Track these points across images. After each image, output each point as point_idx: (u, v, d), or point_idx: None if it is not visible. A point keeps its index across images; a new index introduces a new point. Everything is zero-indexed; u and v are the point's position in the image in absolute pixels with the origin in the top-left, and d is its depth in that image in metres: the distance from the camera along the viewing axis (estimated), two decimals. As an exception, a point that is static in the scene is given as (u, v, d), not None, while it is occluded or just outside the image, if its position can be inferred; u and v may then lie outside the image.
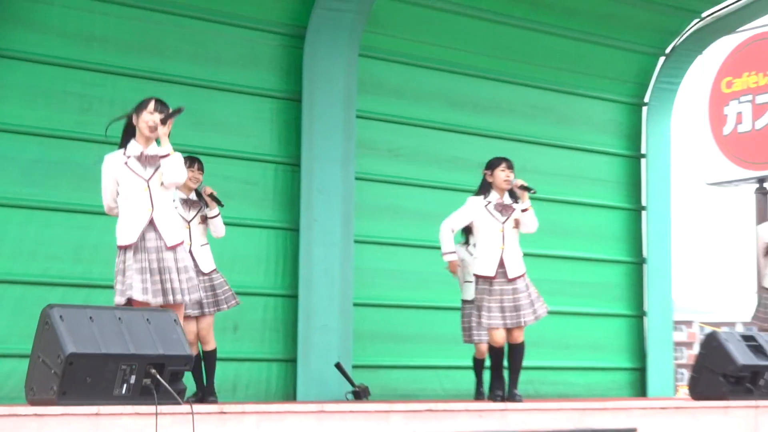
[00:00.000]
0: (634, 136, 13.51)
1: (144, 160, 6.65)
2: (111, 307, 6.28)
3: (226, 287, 8.35)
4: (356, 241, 10.96)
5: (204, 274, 8.18)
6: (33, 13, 9.66)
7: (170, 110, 6.78)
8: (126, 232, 6.54)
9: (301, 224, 10.69)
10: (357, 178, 11.04)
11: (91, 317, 5.68)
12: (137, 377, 5.64)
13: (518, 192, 8.29)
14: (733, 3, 13.06)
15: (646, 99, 13.55)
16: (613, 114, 13.41)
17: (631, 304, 13.26)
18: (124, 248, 6.52)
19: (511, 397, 7.79)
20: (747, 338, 8.41)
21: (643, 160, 13.50)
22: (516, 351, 8.18)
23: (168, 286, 6.49)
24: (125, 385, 5.62)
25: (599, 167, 13.20)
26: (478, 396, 9.98)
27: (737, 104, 28.01)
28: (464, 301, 9.89)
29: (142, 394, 5.62)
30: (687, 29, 13.43)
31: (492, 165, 8.36)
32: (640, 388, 13.09)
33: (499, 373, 8.10)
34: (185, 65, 10.37)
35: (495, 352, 8.14)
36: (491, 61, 12.36)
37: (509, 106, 12.55)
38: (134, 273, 6.41)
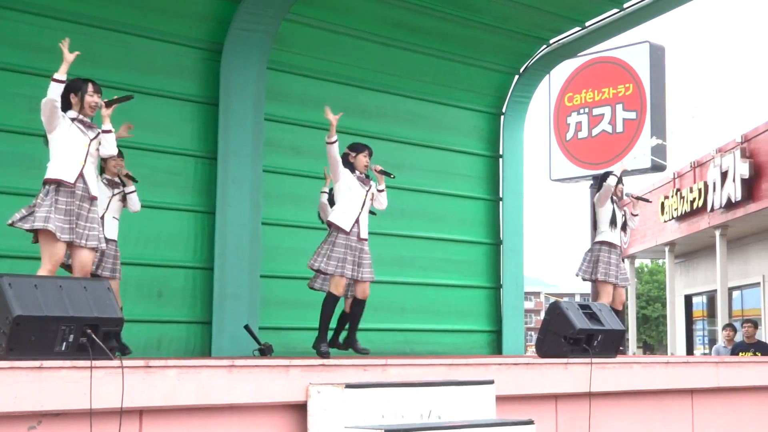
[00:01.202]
0: (493, 140, 13.62)
1: (87, 125, 6.70)
2: (54, 276, 6.17)
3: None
4: (263, 223, 10.89)
5: (112, 241, 8.06)
6: (-12, 26, 9.42)
7: (117, 97, 6.87)
8: (59, 171, 6.51)
9: (216, 208, 10.58)
10: (264, 171, 10.97)
11: (35, 285, 5.55)
12: (75, 336, 5.52)
13: (377, 176, 8.36)
14: (574, 33, 13.23)
15: (504, 109, 13.65)
16: (477, 121, 13.49)
17: (490, 278, 13.37)
18: (54, 183, 6.49)
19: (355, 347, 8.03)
20: (584, 307, 8.51)
21: (500, 160, 13.62)
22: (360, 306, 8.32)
23: (80, 230, 6.57)
24: (64, 343, 5.50)
25: (465, 165, 13.28)
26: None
27: (577, 115, 28.44)
28: None
29: (79, 351, 5.51)
30: (537, 53, 13.56)
31: (357, 149, 8.42)
32: (496, 347, 13.22)
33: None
34: (120, 73, 10.20)
35: (335, 300, 8.15)
36: (377, 75, 12.36)
37: (392, 113, 12.55)
38: (56, 210, 6.43)
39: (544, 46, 13.47)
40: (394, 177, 8.59)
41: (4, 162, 9.29)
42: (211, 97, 10.80)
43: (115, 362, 5.45)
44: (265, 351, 9.72)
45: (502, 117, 13.63)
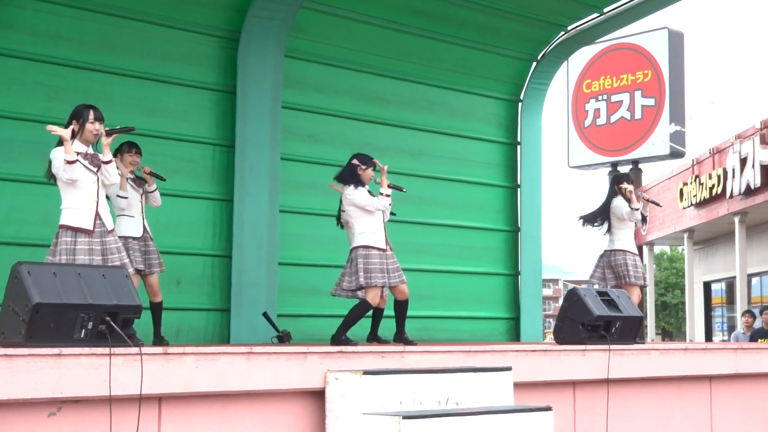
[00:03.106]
0: (511, 127, 13.57)
1: (90, 159, 6.76)
2: (72, 264, 6.21)
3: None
4: (281, 211, 10.89)
5: (136, 239, 8.11)
6: (8, 15, 9.43)
7: (119, 127, 6.90)
8: (77, 218, 6.69)
9: (234, 196, 10.59)
10: (282, 159, 10.96)
11: (54, 273, 5.58)
12: (94, 323, 5.55)
13: (384, 190, 8.37)
14: (593, 19, 13.15)
15: (521, 96, 13.59)
16: (495, 108, 13.44)
17: (508, 265, 13.35)
18: (75, 230, 6.66)
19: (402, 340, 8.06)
20: (602, 294, 8.50)
21: (518, 147, 13.57)
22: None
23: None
24: (83, 330, 5.52)
25: (483, 152, 13.24)
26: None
27: (595, 102, 28.34)
28: None
29: (98, 338, 5.54)
30: (555, 39, 13.50)
31: (366, 162, 8.41)
32: (514, 334, 13.20)
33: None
34: (138, 61, 10.21)
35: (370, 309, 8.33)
36: (395, 63, 12.32)
37: (410, 101, 12.52)
38: (82, 254, 6.61)
39: (562, 32, 13.40)
40: (406, 191, 8.63)
41: (22, 150, 9.32)
42: (228, 85, 10.80)
43: (134, 349, 5.47)
44: (283, 338, 9.73)
45: (520, 104, 13.57)
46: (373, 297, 8.19)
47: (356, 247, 8.24)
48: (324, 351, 6.31)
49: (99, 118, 6.82)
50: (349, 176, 8.39)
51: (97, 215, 6.74)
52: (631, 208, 9.74)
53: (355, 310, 8.20)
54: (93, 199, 6.71)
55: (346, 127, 11.79)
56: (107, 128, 6.85)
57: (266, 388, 5.99)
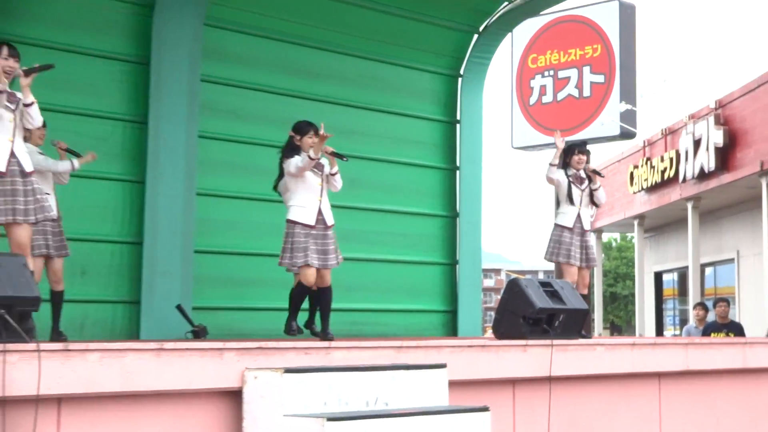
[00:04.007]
0: (450, 104, 13.59)
1: (10, 97, 6.60)
2: (-38, 252, 6.07)
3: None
4: (198, 194, 10.78)
5: (54, 220, 7.98)
6: None
7: (38, 65, 6.71)
8: None
9: (147, 177, 10.46)
10: (200, 136, 10.86)
11: (-59, 261, 5.45)
12: (-14, 317, 5.42)
13: (328, 157, 8.27)
14: (539, -12, 13.20)
15: (462, 71, 13.62)
16: (433, 84, 13.46)
17: (446, 253, 13.38)
18: None
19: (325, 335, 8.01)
20: (545, 285, 8.52)
21: (457, 126, 13.60)
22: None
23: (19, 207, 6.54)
24: (-25, 325, 5.40)
25: (419, 131, 13.25)
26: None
27: (541, 78, 28.48)
28: None
29: (-9, 333, 5.41)
30: (498, 10, 13.53)
31: (301, 130, 8.32)
32: (451, 329, 13.25)
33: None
34: (41, 29, 10.04)
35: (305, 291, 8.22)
36: (325, 33, 12.26)
37: (341, 75, 12.48)
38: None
39: (506, 2, 13.45)
40: (347, 160, 8.52)
41: None
42: (141, 56, 10.66)
43: (31, 346, 5.36)
44: (199, 333, 9.65)
45: (460, 79, 13.60)
46: (303, 277, 8.15)
47: (286, 222, 8.27)
48: (242, 347, 6.25)
49: (14, 55, 6.65)
50: (289, 150, 8.33)
51: (12, 154, 6.54)
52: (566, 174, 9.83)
53: (292, 293, 8.24)
54: (8, 138, 6.53)
55: (271, 102, 11.72)
56: (24, 68, 6.67)
57: (178, 387, 5.92)
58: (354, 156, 12.27)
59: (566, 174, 9.97)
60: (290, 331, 8.18)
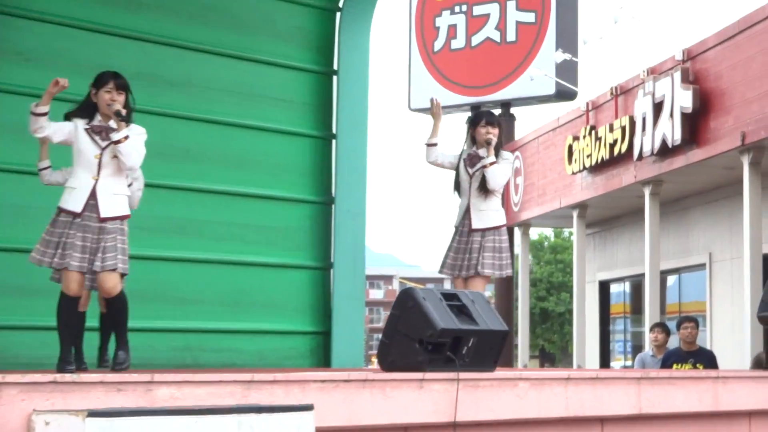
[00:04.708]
0: (324, 48, 13.61)
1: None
2: None
3: None
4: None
5: None
6: None
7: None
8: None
9: None
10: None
11: None
12: None
13: (114, 120, 8.30)
14: None
15: (340, 3, 13.64)
16: (300, 20, 13.47)
17: (315, 253, 13.40)
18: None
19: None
20: (449, 297, 8.56)
21: (334, 78, 13.61)
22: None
23: None
24: None
25: (280, 84, 13.25)
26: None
27: (450, 16, 28.72)
28: None
29: None
30: None
31: (98, 83, 8.39)
32: (323, 357, 13.26)
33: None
34: None
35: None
36: (150, -55, 12.21)
37: (173, 5, 12.43)
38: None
39: None
40: (127, 122, 8.54)
41: None
42: None
43: None
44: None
45: (339, 15, 13.63)
46: (64, 284, 8.18)
47: None
48: (28, 381, 6.17)
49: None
50: (83, 108, 8.36)
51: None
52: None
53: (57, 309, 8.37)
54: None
55: (75, 41, 11.68)
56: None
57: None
58: (188, 117, 12.29)
59: (467, 154, 10.08)
60: (63, 367, 8.02)
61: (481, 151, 10.09)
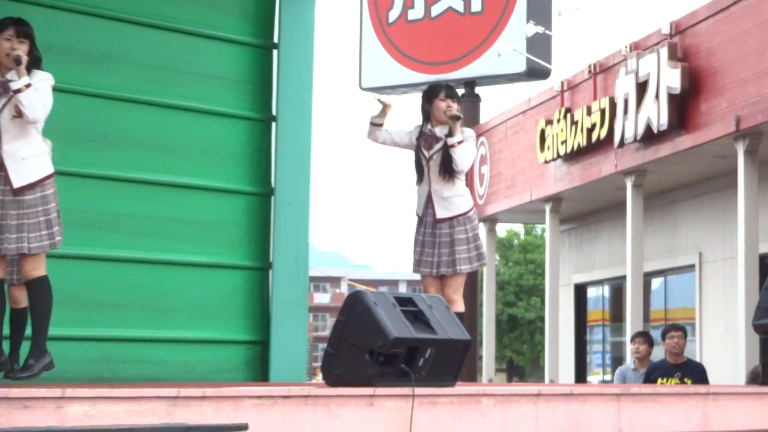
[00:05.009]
0: (263, 19, 13.60)
1: None
2: None
3: None
4: None
5: None
6: None
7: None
8: None
9: None
10: None
11: None
12: None
13: (15, 69, 8.35)
14: None
15: (282, -33, 13.64)
16: (236, -15, 13.45)
17: (252, 251, 13.38)
18: None
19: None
20: (404, 302, 8.56)
21: (274, 52, 13.59)
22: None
23: None
24: None
25: (212, 59, 13.22)
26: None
27: (407, -18, 28.68)
28: None
29: None
30: None
31: None
32: (260, 370, 13.25)
33: None
34: None
35: None
36: None
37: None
38: None
39: None
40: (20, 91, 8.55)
41: None
42: None
43: None
44: None
45: (280, -19, 13.62)
46: None
47: None
48: None
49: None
50: None
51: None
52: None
53: None
54: None
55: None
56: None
57: None
58: (105, 96, 12.24)
59: (420, 133, 10.10)
60: None
61: (439, 130, 10.11)
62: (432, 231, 10.09)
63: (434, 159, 10.05)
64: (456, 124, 10.02)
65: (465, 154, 10.01)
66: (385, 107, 10.19)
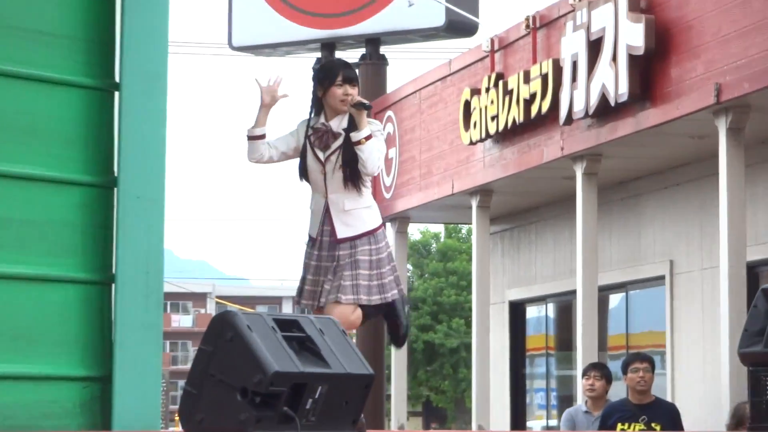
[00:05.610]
0: (101, -43, 13.60)
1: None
2: None
3: None
4: None
5: None
6: None
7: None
8: None
9: None
10: None
11: None
12: None
13: None
14: None
15: None
16: None
17: (89, 260, 13.34)
18: None
19: None
20: (286, 325, 8.58)
21: (117, 3, 13.58)
22: None
23: None
24: None
25: (37, 11, 13.19)
26: None
27: None
28: None
29: None
30: None
31: None
32: (100, 415, 13.20)
33: None
34: None
35: None
36: None
37: None
38: None
39: None
40: None
41: None
42: None
43: None
44: None
45: None
46: None
47: None
48: None
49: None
50: None
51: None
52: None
53: None
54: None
55: None
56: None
57: None
58: None
59: (311, 129, 10.15)
60: None
61: (335, 123, 10.16)
62: (329, 254, 10.11)
63: (332, 161, 10.08)
64: (362, 114, 10.08)
65: (375, 153, 10.05)
66: (269, 96, 10.19)
